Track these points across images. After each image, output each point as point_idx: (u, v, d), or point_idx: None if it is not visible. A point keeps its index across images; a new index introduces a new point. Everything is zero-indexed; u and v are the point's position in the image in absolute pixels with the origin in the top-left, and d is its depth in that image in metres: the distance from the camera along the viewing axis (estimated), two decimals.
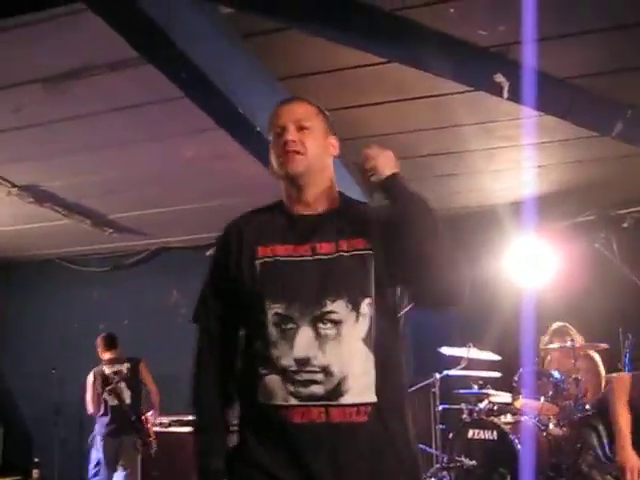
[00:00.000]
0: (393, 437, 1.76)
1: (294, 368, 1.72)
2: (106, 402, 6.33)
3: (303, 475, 1.70)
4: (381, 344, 1.77)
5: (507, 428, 5.13)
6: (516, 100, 4.03)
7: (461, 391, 5.62)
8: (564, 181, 6.08)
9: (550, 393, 5.16)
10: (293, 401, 1.71)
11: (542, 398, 5.15)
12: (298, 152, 1.85)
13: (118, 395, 6.36)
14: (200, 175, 5.87)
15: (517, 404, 5.39)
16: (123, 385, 6.42)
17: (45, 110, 4.62)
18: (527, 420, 5.20)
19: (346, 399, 1.71)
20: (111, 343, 6.68)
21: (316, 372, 1.71)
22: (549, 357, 5.86)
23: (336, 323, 1.74)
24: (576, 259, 6.16)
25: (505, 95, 3.96)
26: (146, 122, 4.83)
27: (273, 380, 1.75)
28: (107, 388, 6.33)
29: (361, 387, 1.72)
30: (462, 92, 4.38)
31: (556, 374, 5.26)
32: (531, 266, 6.37)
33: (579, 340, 5.59)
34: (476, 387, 5.60)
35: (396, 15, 3.59)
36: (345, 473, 1.70)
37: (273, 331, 1.76)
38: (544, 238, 6.36)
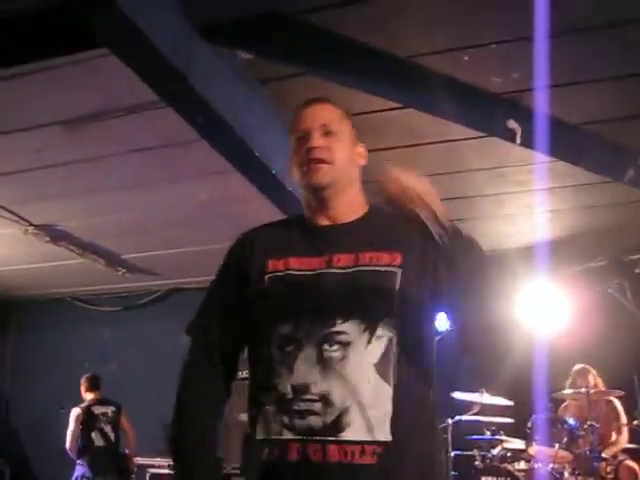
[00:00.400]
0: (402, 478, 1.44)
1: (290, 396, 1.48)
2: (92, 442, 6.40)
3: None
4: (403, 372, 1.49)
5: (521, 475, 5.06)
6: (528, 146, 4.08)
7: (474, 437, 5.56)
8: (576, 226, 6.09)
9: (565, 440, 5.08)
10: (288, 435, 1.46)
11: (557, 445, 5.07)
12: (324, 161, 1.63)
13: (105, 435, 6.47)
14: (215, 217, 5.92)
15: (531, 451, 5.31)
16: (110, 427, 6.54)
17: (65, 151, 4.72)
18: (541, 468, 5.11)
19: (347, 435, 1.42)
20: (96, 383, 6.80)
21: (314, 401, 1.45)
22: (565, 402, 5.81)
23: (344, 345, 1.48)
24: (589, 305, 6.13)
25: (518, 141, 4.01)
26: (163, 164, 4.91)
27: (270, 412, 1.51)
28: (94, 428, 6.44)
29: (367, 421, 1.44)
30: (474, 138, 4.42)
31: (571, 421, 5.19)
32: (544, 311, 6.34)
33: (599, 382, 5.55)
34: (489, 433, 5.53)
35: (411, 62, 3.66)
36: None
37: (276, 355, 1.53)
38: (557, 283, 6.34)
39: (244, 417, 6.39)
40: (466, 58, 3.65)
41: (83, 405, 6.54)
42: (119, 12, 2.69)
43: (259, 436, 1.54)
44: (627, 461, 5.30)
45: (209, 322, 1.72)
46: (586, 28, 3.41)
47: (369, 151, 4.83)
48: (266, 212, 5.41)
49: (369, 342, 1.49)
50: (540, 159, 4.65)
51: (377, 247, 1.60)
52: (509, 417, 5.70)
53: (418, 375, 1.55)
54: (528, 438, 5.32)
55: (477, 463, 5.42)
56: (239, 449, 6.58)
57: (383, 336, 1.51)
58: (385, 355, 1.49)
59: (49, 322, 8.83)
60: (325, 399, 1.45)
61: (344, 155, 1.68)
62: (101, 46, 3.20)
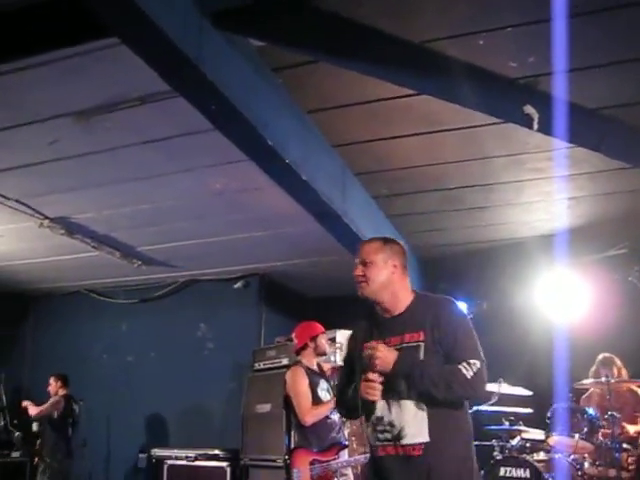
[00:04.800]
0: (443, 464, 2.63)
1: (375, 422, 2.75)
2: (67, 432, 7.04)
3: None
4: (431, 402, 2.64)
5: (540, 466, 4.99)
6: (546, 132, 4.01)
7: (492, 427, 5.50)
8: (595, 214, 6.00)
9: (585, 430, 5.00)
10: (377, 442, 2.76)
11: (577, 436, 5.00)
12: (362, 281, 2.77)
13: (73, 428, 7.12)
14: (229, 207, 5.90)
15: (550, 441, 5.24)
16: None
17: (78, 143, 4.70)
18: (561, 458, 5.06)
19: (404, 441, 2.67)
20: (67, 381, 7.35)
21: (386, 425, 2.71)
22: (588, 392, 5.72)
23: (399, 394, 2.68)
24: (609, 293, 6.05)
25: (535, 127, 3.94)
26: (176, 155, 4.88)
27: (369, 430, 2.80)
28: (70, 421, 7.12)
29: (414, 433, 2.65)
30: (492, 124, 4.37)
31: (591, 411, 5.11)
32: (563, 300, 6.27)
33: (624, 373, 5.47)
34: (507, 423, 5.47)
35: (425, 47, 3.60)
36: None
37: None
38: (576, 272, 6.26)
39: (261, 409, 6.45)
40: (481, 42, 3.58)
41: (63, 399, 7.23)
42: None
43: (369, 442, 2.83)
44: None
45: (340, 383, 3.07)
46: (604, 9, 3.33)
47: (387, 138, 4.80)
48: (279, 202, 5.38)
49: (410, 391, 2.67)
50: (558, 145, 4.58)
51: (414, 329, 2.71)
52: (528, 407, 5.63)
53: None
54: (547, 428, 5.25)
55: (496, 454, 5.37)
56: (256, 441, 6.59)
57: None
58: (420, 396, 2.67)
59: (66, 315, 8.87)
60: (392, 424, 2.70)
61: (376, 275, 2.77)
62: (110, 35, 3.17)
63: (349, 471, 4.71)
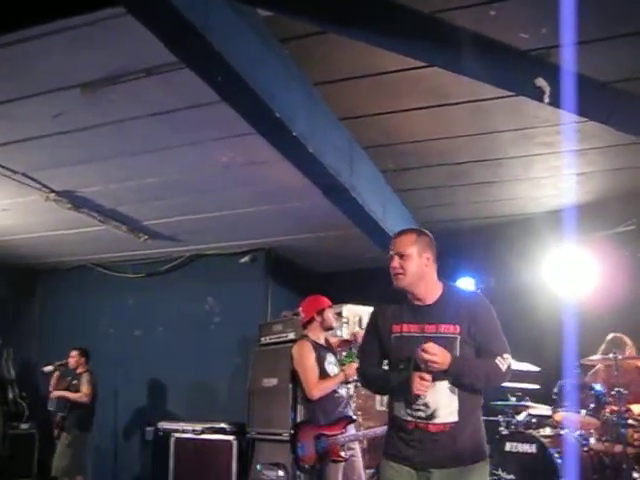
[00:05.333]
0: (465, 439, 2.92)
1: (411, 401, 2.94)
2: (93, 407, 7.05)
3: (415, 458, 2.94)
4: (462, 389, 2.93)
5: (546, 442, 5.00)
6: (557, 105, 3.94)
7: (498, 403, 5.50)
8: (605, 189, 5.95)
9: (591, 406, 5.01)
10: (409, 418, 2.96)
11: (583, 411, 5.01)
12: (399, 274, 2.96)
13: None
14: (236, 181, 5.87)
15: (557, 417, 5.24)
16: None
17: (83, 116, 4.66)
18: (567, 434, 5.06)
19: (437, 420, 2.92)
20: (89, 356, 7.25)
21: (421, 405, 2.93)
22: (594, 369, 5.71)
23: (434, 376, 2.88)
24: (618, 269, 6.01)
25: (546, 100, 3.87)
26: (182, 128, 4.84)
27: (400, 406, 3.00)
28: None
29: (446, 414, 2.91)
30: (501, 97, 4.31)
31: (597, 387, 5.10)
32: (571, 276, 6.23)
33: (634, 353, 5.45)
34: (514, 399, 5.48)
35: (436, 18, 3.54)
36: (437, 457, 2.91)
37: (399, 378, 2.99)
38: (584, 248, 6.22)
39: (267, 383, 6.48)
40: (493, 13, 3.52)
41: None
42: None
43: (397, 414, 3.02)
44: None
45: (366, 358, 3.21)
46: None
47: (394, 112, 4.74)
48: (285, 175, 5.35)
49: (444, 376, 2.91)
50: (568, 119, 4.52)
51: (448, 321, 2.93)
52: (535, 383, 5.63)
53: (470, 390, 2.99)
54: (554, 404, 5.25)
55: (502, 429, 5.38)
56: (263, 415, 6.62)
57: None
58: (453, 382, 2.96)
59: (73, 289, 8.90)
60: (426, 405, 2.92)
61: (412, 267, 2.96)
62: (115, 4, 3.11)
63: (356, 445, 4.72)
